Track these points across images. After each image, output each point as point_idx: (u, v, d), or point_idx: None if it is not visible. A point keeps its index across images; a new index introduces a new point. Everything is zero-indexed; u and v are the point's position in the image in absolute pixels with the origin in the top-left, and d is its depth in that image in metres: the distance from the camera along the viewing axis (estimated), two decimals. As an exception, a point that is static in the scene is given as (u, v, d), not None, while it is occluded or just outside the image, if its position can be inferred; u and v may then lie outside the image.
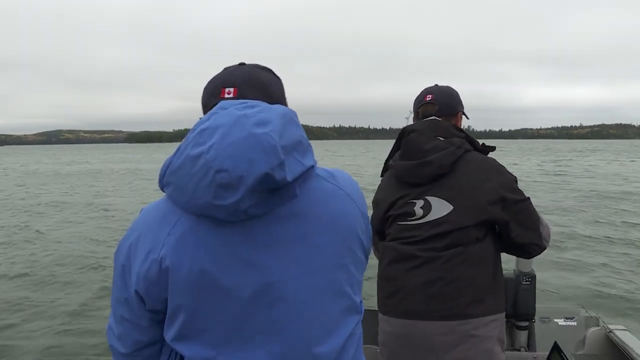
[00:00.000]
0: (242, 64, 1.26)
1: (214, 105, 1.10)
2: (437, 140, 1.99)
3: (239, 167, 0.97)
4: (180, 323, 1.08)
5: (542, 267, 8.00)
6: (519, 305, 3.03)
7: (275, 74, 1.28)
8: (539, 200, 15.82)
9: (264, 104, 1.09)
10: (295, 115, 1.13)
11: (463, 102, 2.24)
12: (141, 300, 1.11)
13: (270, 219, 1.07)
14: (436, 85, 2.24)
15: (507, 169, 2.01)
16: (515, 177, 2.01)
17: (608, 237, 11.10)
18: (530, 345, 3.08)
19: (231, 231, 1.05)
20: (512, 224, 1.93)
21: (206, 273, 1.04)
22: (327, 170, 1.20)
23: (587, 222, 12.82)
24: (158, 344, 1.19)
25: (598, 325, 3.03)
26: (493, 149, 2.14)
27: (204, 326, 1.07)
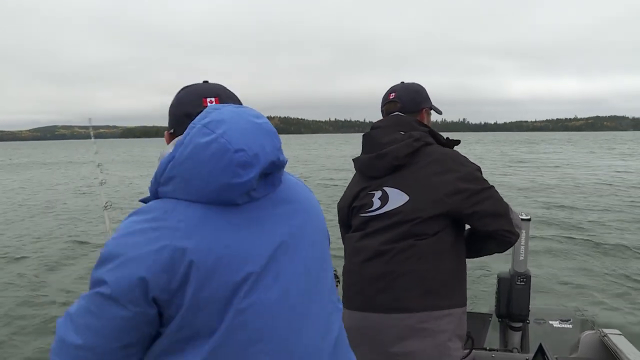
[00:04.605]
0: (205, 82, 1.37)
1: (199, 112, 1.18)
2: (397, 134, 2.03)
3: (253, 147, 1.08)
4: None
5: (541, 267, 8.02)
6: (512, 306, 3.06)
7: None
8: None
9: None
10: None
11: (431, 97, 2.26)
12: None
13: (267, 203, 1.18)
14: (402, 82, 2.27)
15: (469, 159, 2.01)
16: (479, 166, 2.00)
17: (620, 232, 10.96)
18: (523, 347, 3.09)
19: (240, 215, 1.13)
20: (479, 213, 1.90)
21: (226, 256, 1.08)
22: None
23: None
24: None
25: (593, 329, 3.00)
26: (457, 142, 2.16)
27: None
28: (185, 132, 1.12)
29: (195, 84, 1.37)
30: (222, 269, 1.06)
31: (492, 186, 1.97)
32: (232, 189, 1.08)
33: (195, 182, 1.08)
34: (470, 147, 70.97)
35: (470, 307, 4.31)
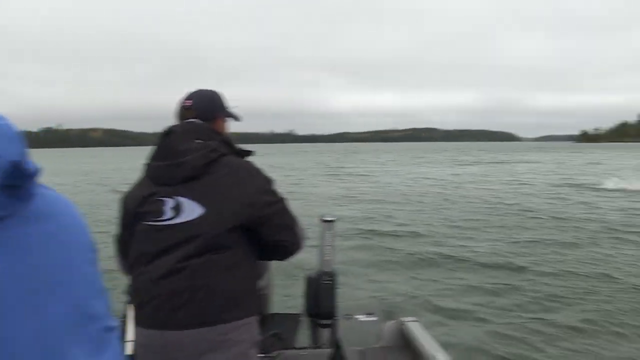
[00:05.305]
0: None
1: None
2: (194, 142, 1.97)
3: None
4: None
5: (347, 264, 8.43)
6: (320, 304, 3.09)
7: None
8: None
9: None
10: None
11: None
12: None
13: (16, 223, 0.94)
14: (199, 89, 2.22)
15: (262, 171, 2.04)
16: (271, 178, 2.04)
17: (415, 232, 12.16)
18: (333, 342, 3.14)
19: None
20: (267, 223, 1.95)
21: None
22: None
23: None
24: None
25: (394, 319, 3.18)
26: (250, 152, 2.16)
27: None
28: None
29: None
30: None
31: (284, 198, 2.04)
32: None
33: None
34: (298, 157, 73.41)
35: (281, 308, 4.42)
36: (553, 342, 5.49)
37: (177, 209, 1.88)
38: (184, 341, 1.83)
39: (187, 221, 1.86)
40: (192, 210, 1.87)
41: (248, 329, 1.93)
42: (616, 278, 7.91)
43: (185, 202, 1.88)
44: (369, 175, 33.63)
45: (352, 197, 20.60)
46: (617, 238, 11.09)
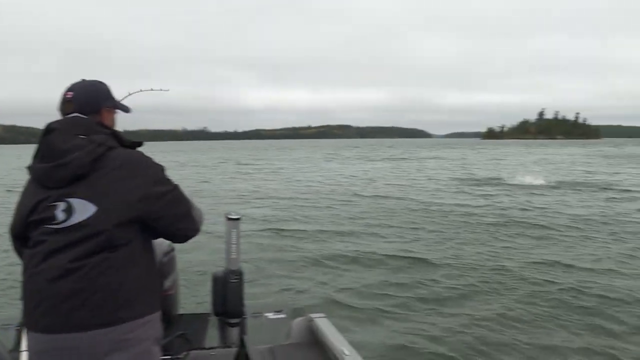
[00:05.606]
0: None
1: None
2: (77, 138, 1.87)
3: None
4: None
5: (255, 262, 8.52)
6: (228, 303, 3.10)
7: None
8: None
9: None
10: None
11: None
12: None
13: None
14: (82, 80, 2.09)
15: (154, 160, 1.98)
16: (163, 166, 1.99)
17: (323, 229, 12.25)
18: (242, 341, 3.06)
19: None
20: (164, 215, 1.91)
21: None
22: None
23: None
24: None
25: (303, 316, 3.16)
26: (140, 144, 2.08)
27: None
28: None
29: None
30: None
31: (177, 185, 1.99)
32: None
33: None
34: (209, 154, 72.26)
35: (189, 308, 4.42)
36: (457, 335, 5.73)
37: (69, 211, 1.81)
38: (81, 344, 1.76)
39: (80, 221, 1.80)
40: (84, 209, 1.80)
41: (149, 326, 1.89)
42: (511, 270, 8.35)
43: (76, 202, 1.81)
44: (279, 173, 33.69)
45: (261, 194, 20.56)
46: (518, 233, 11.64)
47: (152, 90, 2.79)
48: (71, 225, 1.80)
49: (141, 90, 2.78)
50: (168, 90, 2.24)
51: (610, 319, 6.15)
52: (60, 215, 1.81)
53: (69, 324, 1.76)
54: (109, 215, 1.80)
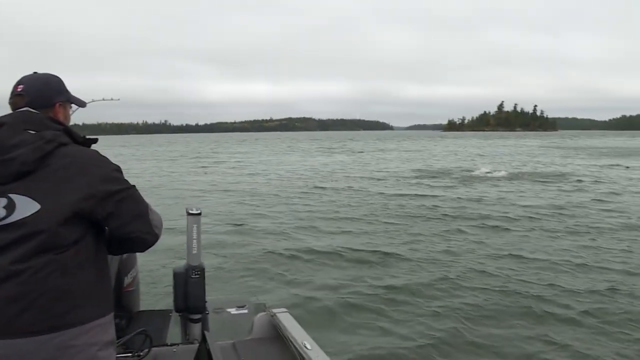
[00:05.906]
0: None
1: None
2: (26, 134, 1.78)
3: None
4: None
5: (217, 258, 8.56)
6: (189, 299, 3.09)
7: None
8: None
9: None
10: None
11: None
12: None
13: None
14: (34, 73, 2.01)
15: (108, 159, 1.90)
16: (118, 166, 1.91)
17: (284, 223, 12.33)
18: (204, 337, 3.03)
19: None
20: (116, 215, 1.82)
21: None
22: None
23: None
24: None
25: (264, 311, 3.15)
26: (95, 140, 2.00)
27: None
28: None
29: None
30: None
31: (133, 186, 1.91)
32: None
33: None
34: (169, 148, 71.51)
35: (150, 305, 4.42)
36: (416, 327, 5.87)
37: (10, 207, 1.70)
38: (23, 350, 1.65)
39: (21, 219, 1.69)
40: (25, 207, 1.70)
41: (99, 330, 1.80)
42: (467, 262, 8.54)
43: (17, 198, 1.71)
44: (239, 166, 33.48)
45: (221, 187, 20.50)
46: (476, 225, 11.90)
47: (103, 100, 2.77)
48: (11, 223, 1.69)
49: (93, 101, 2.74)
50: (119, 99, 2.18)
51: (562, 307, 6.38)
52: (0, 211, 1.71)
53: (13, 329, 1.65)
54: (52, 214, 1.71)
